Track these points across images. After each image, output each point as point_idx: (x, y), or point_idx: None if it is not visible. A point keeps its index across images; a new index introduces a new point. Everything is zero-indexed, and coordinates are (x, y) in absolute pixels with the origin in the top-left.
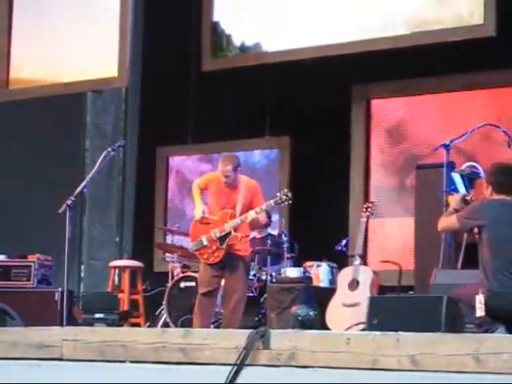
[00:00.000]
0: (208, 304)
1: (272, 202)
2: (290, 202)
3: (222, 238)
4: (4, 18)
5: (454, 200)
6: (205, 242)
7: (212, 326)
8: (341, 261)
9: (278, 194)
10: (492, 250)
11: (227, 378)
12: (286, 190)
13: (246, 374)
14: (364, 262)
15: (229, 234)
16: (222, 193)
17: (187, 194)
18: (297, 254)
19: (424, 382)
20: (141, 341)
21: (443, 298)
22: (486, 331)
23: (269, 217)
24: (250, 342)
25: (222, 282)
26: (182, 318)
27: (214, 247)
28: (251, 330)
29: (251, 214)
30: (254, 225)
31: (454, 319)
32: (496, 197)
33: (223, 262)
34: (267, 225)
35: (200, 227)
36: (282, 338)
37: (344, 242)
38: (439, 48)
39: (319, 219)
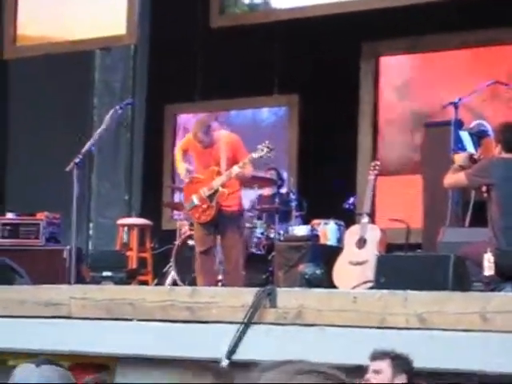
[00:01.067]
0: (206, 262)
1: (253, 154)
2: (271, 153)
3: (211, 196)
4: None
5: (459, 157)
6: (196, 201)
7: (219, 284)
8: (348, 219)
9: (259, 146)
10: (501, 208)
11: (234, 336)
12: (266, 142)
13: (253, 332)
14: (372, 220)
15: (216, 191)
16: (202, 152)
17: None
18: (305, 212)
19: (431, 340)
20: (148, 299)
21: (450, 257)
22: (493, 290)
23: (280, 177)
24: (256, 301)
25: (218, 239)
26: (190, 275)
27: (205, 206)
28: (258, 289)
29: (235, 169)
30: (241, 179)
31: (462, 278)
32: (505, 155)
33: (215, 220)
34: (280, 185)
35: (191, 187)
36: (288, 297)
37: (351, 199)
38: (448, 4)
39: (327, 177)
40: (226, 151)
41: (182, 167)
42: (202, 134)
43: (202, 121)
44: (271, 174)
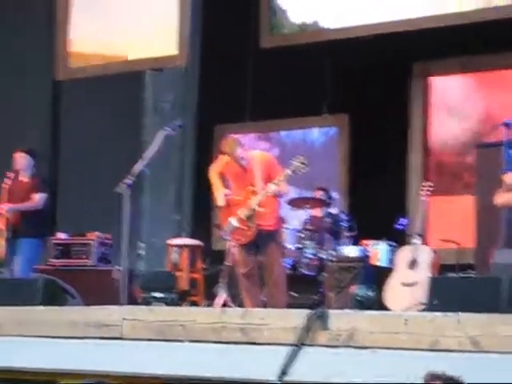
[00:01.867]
0: (250, 283)
1: (288, 170)
2: (307, 168)
3: (250, 217)
4: None
5: (510, 177)
6: (235, 224)
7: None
8: (399, 240)
9: (293, 162)
10: None
11: (286, 357)
12: (300, 157)
13: (305, 354)
14: (424, 241)
15: (255, 210)
16: (238, 173)
17: None
18: (356, 233)
19: (485, 363)
20: (199, 320)
21: (504, 279)
22: None
23: (329, 197)
24: (308, 323)
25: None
26: (240, 296)
27: (245, 227)
28: (309, 311)
29: (271, 187)
30: (278, 197)
31: None
32: None
33: (256, 241)
34: (329, 204)
35: (228, 210)
36: (340, 319)
37: (402, 220)
38: (500, 24)
39: (378, 197)
40: (261, 170)
41: (219, 192)
42: (241, 150)
43: (233, 139)
44: (321, 195)
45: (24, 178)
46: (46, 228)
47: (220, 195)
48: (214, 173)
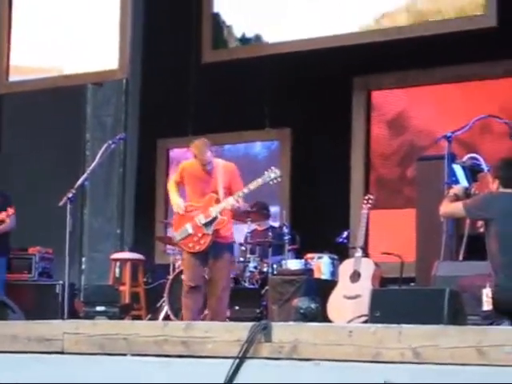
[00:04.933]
0: (197, 297)
1: (260, 180)
2: (279, 179)
3: (208, 224)
4: (4, 8)
5: (455, 189)
6: (190, 230)
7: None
8: (342, 253)
9: (266, 172)
10: (500, 244)
11: (229, 371)
12: (273, 168)
13: (248, 367)
14: (365, 254)
15: (215, 218)
16: (198, 179)
17: None
18: (298, 246)
19: (426, 375)
20: (142, 334)
21: (446, 291)
22: (491, 324)
23: (266, 208)
24: (251, 335)
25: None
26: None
27: (200, 234)
28: (253, 323)
29: (231, 201)
30: (235, 212)
31: (457, 312)
32: (503, 190)
33: (208, 250)
34: (267, 217)
35: (183, 216)
36: (283, 331)
37: (345, 233)
38: (440, 39)
39: (320, 211)
40: (224, 179)
41: (177, 201)
42: (210, 154)
43: (203, 141)
44: (258, 209)
45: None
46: (8, 245)
47: (180, 203)
48: (172, 182)
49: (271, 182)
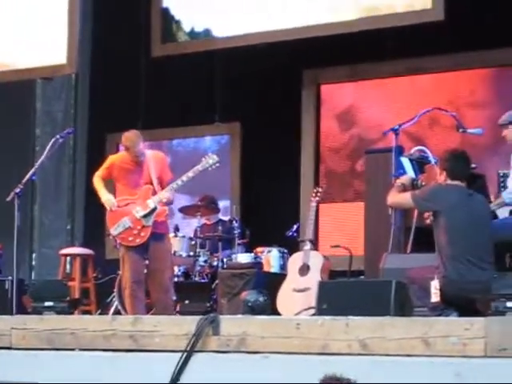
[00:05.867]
0: (141, 293)
1: (199, 166)
2: (218, 164)
3: (147, 216)
4: None
5: (402, 179)
6: (128, 224)
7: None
8: (292, 246)
9: (204, 159)
10: (448, 236)
11: (177, 365)
12: (210, 154)
13: (196, 360)
14: (315, 247)
15: (154, 209)
16: (130, 172)
17: None
18: (248, 240)
19: (374, 366)
20: (90, 328)
21: (392, 283)
22: (439, 316)
23: (214, 202)
24: (199, 329)
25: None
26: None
27: (139, 227)
28: (201, 317)
29: (178, 183)
30: (167, 204)
31: (403, 303)
32: (451, 182)
33: (147, 243)
34: (216, 211)
35: (117, 211)
36: (231, 324)
37: (295, 227)
38: (388, 33)
39: (270, 205)
40: (156, 169)
41: (107, 197)
42: (143, 145)
43: (135, 133)
44: (206, 202)
45: None
46: None
47: (111, 199)
48: (97, 178)
49: (210, 168)
